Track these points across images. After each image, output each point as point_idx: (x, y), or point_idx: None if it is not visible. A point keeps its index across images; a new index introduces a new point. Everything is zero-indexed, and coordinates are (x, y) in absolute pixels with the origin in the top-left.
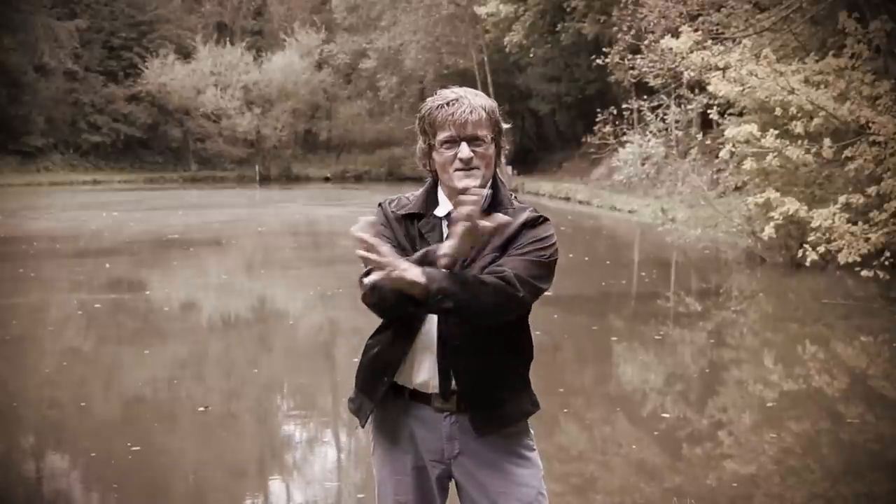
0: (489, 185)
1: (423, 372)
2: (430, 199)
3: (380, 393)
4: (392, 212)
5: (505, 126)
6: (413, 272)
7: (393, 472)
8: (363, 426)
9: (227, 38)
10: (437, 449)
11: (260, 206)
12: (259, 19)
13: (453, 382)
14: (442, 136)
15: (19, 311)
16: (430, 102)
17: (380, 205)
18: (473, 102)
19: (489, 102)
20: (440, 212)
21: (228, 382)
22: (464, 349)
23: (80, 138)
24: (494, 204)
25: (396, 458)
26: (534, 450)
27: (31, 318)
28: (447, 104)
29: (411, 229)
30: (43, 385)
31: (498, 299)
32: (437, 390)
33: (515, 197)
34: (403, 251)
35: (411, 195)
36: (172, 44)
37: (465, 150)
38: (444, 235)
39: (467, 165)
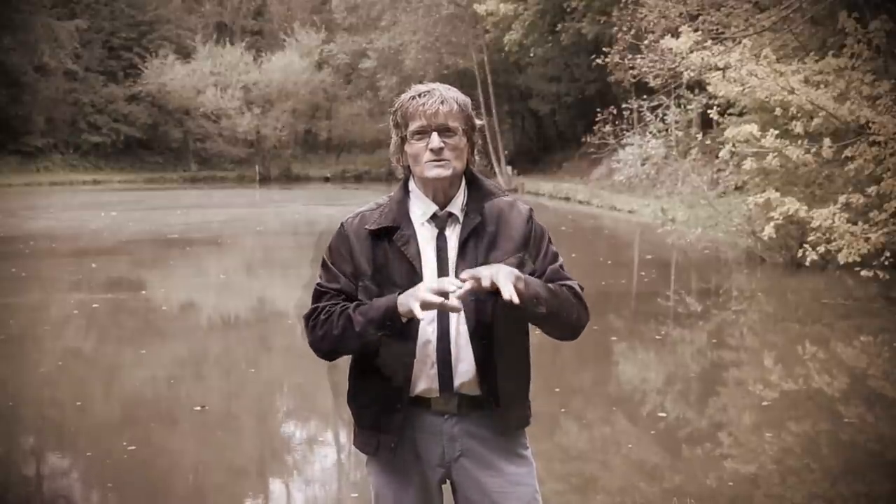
0: (463, 179)
1: (424, 380)
2: (403, 209)
3: (398, 423)
4: (363, 229)
5: (478, 122)
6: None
7: (392, 482)
8: (393, 458)
9: (227, 39)
10: (439, 453)
11: (260, 206)
12: (259, 19)
13: (456, 383)
14: (413, 126)
15: (17, 311)
16: (404, 96)
17: (343, 226)
18: (445, 94)
19: (461, 96)
20: (418, 217)
21: (227, 382)
22: (495, 350)
23: (80, 138)
24: (481, 196)
25: (396, 468)
26: (528, 448)
27: (30, 317)
28: (419, 96)
29: (380, 246)
30: (41, 385)
31: (578, 311)
32: (437, 394)
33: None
34: (358, 277)
35: (377, 206)
36: (172, 44)
37: (435, 140)
38: (419, 246)
39: (437, 156)
